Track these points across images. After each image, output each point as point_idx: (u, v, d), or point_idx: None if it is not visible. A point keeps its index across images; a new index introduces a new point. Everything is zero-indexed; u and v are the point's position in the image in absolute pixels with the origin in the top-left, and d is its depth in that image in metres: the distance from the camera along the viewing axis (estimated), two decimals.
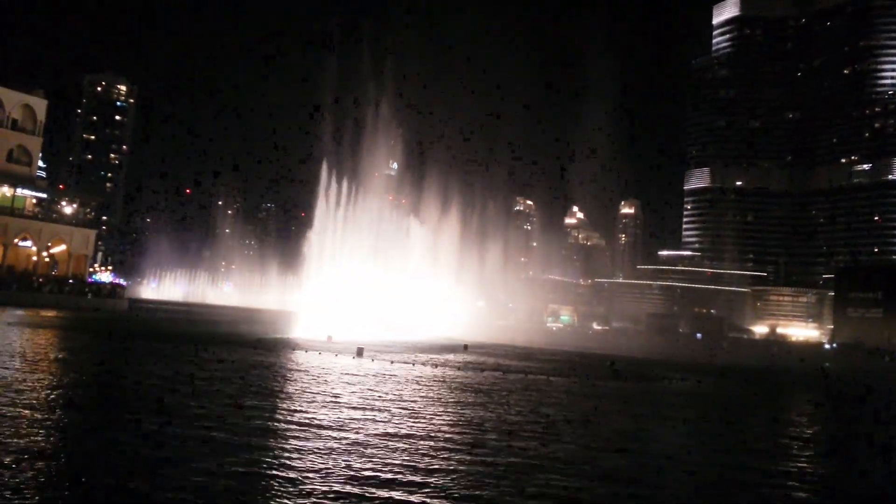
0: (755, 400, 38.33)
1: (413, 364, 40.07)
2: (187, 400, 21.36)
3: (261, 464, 14.39)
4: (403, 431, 19.17)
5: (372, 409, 22.55)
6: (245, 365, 32.80)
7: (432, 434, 19.13)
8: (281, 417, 20.05)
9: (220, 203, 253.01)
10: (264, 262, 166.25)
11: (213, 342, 44.54)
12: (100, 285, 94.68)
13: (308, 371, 32.52)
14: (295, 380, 29.23)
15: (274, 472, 13.86)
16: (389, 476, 14.17)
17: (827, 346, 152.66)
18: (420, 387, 30.09)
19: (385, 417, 21.23)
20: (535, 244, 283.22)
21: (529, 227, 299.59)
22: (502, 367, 43.26)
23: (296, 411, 21.24)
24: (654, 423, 25.14)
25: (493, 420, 22.41)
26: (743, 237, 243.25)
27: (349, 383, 29.11)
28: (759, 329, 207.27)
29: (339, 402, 23.63)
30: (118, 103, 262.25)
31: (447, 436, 19.01)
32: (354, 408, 22.67)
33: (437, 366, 40.19)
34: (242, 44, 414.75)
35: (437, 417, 22.11)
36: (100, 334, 47.25)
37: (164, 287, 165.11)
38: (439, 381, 33.08)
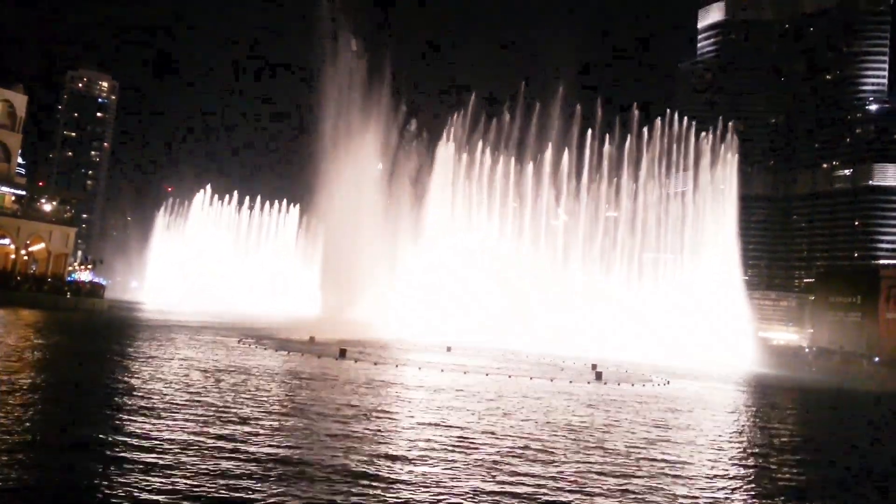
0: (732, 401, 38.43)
1: (396, 366, 39.83)
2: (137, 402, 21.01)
3: None
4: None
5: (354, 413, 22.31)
6: (214, 369, 32.43)
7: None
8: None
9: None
10: (248, 262, 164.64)
11: (191, 343, 44.10)
12: (79, 284, 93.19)
13: (282, 374, 32.20)
14: (270, 386, 28.87)
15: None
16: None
17: (807, 350, 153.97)
18: (399, 393, 29.85)
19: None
20: None
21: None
22: (484, 368, 43.14)
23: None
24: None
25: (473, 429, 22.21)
26: None
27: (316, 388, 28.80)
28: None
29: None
30: (99, 99, 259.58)
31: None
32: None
33: (420, 368, 39.97)
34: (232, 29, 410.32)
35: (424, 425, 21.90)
36: (76, 335, 46.65)
37: (145, 287, 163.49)
38: (422, 386, 32.87)
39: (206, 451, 15.21)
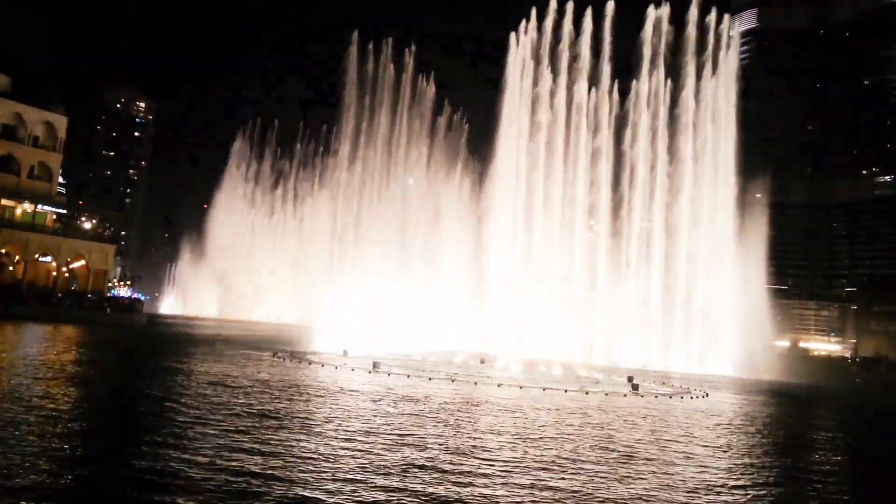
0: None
1: (430, 379, 39.63)
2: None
3: None
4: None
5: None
6: (251, 381, 32.58)
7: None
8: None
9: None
10: (283, 275, 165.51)
11: (228, 357, 44.49)
12: (118, 300, 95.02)
13: (313, 386, 32.22)
14: (300, 399, 28.88)
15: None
16: None
17: (850, 361, 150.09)
18: (430, 406, 29.62)
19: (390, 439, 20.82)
20: None
21: None
22: (517, 380, 42.66)
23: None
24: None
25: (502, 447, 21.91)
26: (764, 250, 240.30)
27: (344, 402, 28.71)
28: (781, 343, 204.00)
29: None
30: (137, 119, 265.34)
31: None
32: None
33: (453, 381, 39.70)
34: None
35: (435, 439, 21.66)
36: (115, 349, 47.34)
37: (183, 301, 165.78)
38: (457, 400, 32.62)
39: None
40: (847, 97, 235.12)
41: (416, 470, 16.02)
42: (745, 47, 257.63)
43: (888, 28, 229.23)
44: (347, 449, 17.82)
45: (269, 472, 14.78)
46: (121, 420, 20.91)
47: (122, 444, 17.15)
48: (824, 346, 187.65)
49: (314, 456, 16.72)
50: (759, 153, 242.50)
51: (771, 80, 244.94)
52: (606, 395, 38.95)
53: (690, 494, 15.87)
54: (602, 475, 17.10)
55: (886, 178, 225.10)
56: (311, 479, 14.43)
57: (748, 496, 16.42)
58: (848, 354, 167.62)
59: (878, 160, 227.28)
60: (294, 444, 17.99)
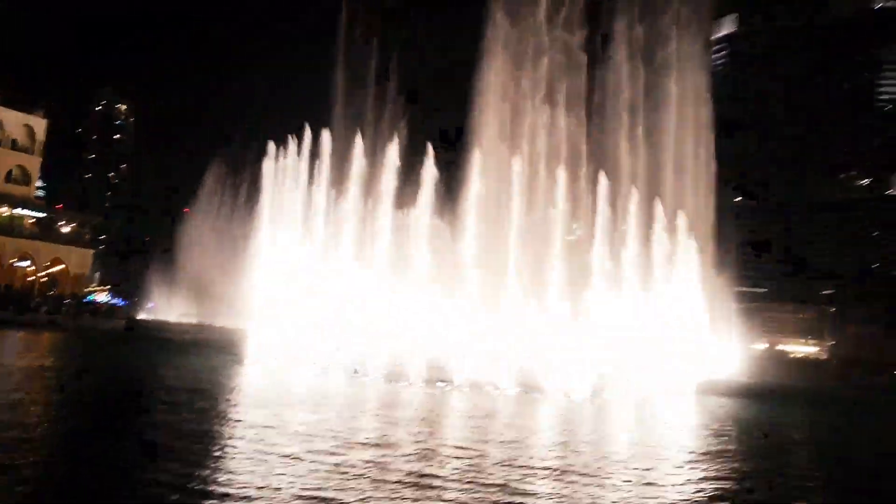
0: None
1: (409, 384, 39.89)
2: None
3: None
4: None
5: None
6: (230, 387, 32.58)
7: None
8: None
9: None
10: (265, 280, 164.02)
11: (207, 362, 44.48)
12: (97, 305, 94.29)
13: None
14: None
15: None
16: None
17: (827, 362, 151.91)
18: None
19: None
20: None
21: None
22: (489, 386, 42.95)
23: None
24: None
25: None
26: (742, 252, 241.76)
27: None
28: (759, 345, 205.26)
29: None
30: (118, 122, 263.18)
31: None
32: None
33: (426, 384, 40.01)
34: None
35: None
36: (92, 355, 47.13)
37: (162, 307, 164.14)
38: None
39: None
40: (828, 99, 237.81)
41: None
42: (725, 52, 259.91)
43: (871, 31, 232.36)
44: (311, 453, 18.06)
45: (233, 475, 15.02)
46: (94, 432, 20.98)
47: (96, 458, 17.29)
48: (801, 348, 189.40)
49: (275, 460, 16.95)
50: (737, 152, 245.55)
51: (751, 83, 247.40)
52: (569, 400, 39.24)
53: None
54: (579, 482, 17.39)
55: (865, 181, 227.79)
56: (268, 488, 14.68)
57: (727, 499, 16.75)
58: (825, 356, 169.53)
59: (857, 162, 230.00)
60: (261, 450, 18.19)
